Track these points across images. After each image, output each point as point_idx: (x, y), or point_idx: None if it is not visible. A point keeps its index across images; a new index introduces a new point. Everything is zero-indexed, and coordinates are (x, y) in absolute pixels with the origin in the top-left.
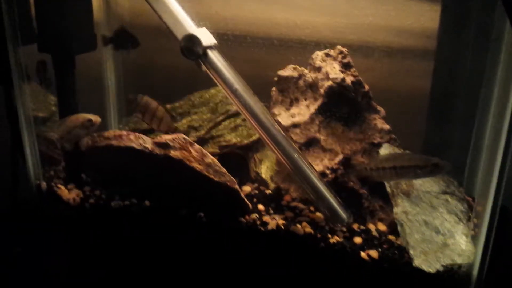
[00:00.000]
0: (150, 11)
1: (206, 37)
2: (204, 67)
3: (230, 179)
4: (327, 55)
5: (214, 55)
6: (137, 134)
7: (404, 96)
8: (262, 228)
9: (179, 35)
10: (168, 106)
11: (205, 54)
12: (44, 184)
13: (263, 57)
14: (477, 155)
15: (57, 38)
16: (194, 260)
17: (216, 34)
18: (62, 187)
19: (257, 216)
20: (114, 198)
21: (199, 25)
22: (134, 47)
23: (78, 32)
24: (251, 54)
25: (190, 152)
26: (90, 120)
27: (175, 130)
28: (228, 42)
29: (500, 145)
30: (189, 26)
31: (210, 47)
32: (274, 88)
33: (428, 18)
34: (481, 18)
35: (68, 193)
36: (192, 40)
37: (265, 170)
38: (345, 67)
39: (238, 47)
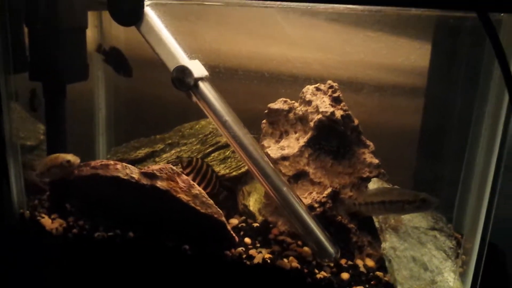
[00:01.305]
0: (144, 44)
1: (198, 69)
2: (194, 98)
3: (217, 211)
4: (317, 89)
5: (205, 87)
6: (124, 164)
7: (394, 132)
8: (248, 262)
9: (171, 66)
10: (157, 136)
11: (196, 86)
12: (27, 213)
13: (254, 90)
14: (466, 192)
15: (48, 67)
16: None
17: (208, 66)
18: (46, 217)
19: (243, 249)
20: (98, 228)
21: (191, 57)
22: (127, 75)
23: (70, 62)
24: (242, 87)
25: (177, 182)
26: (68, 161)
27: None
28: (220, 74)
29: (488, 182)
30: (181, 57)
31: (202, 79)
32: (264, 121)
33: (418, 56)
34: (470, 55)
35: (51, 223)
36: (183, 71)
37: (253, 202)
38: (335, 101)
39: (230, 80)
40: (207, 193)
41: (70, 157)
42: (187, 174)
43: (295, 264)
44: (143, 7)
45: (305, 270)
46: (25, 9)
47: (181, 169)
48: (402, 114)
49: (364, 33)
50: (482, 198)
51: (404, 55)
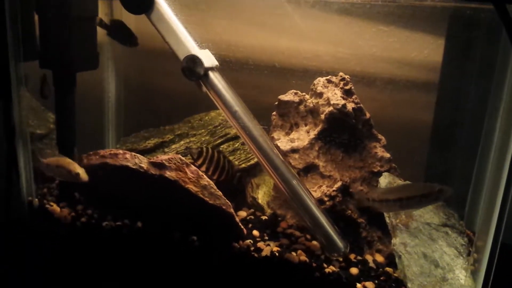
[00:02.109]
0: (155, 33)
1: (208, 59)
2: (204, 88)
3: (225, 203)
4: (329, 81)
5: (215, 77)
6: (133, 153)
7: (406, 126)
8: (256, 255)
9: (181, 56)
10: (167, 127)
11: (206, 75)
12: (36, 201)
13: (264, 81)
14: (478, 189)
15: (59, 55)
16: (185, 284)
17: (218, 57)
18: (54, 205)
19: (251, 242)
20: (106, 218)
21: (201, 46)
22: (133, 45)
23: (80, 50)
24: (253, 78)
25: (186, 173)
26: (77, 174)
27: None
28: (230, 65)
29: (502, 179)
30: (192, 47)
31: (212, 69)
32: (274, 113)
33: (431, 51)
34: (485, 49)
35: (60, 211)
36: (193, 60)
37: (262, 195)
38: (347, 94)
39: (240, 71)
40: (223, 181)
41: (81, 171)
42: (199, 166)
43: (303, 257)
44: None
45: (314, 264)
46: None
47: (191, 160)
48: (414, 109)
49: (377, 27)
50: (495, 196)
51: (417, 50)
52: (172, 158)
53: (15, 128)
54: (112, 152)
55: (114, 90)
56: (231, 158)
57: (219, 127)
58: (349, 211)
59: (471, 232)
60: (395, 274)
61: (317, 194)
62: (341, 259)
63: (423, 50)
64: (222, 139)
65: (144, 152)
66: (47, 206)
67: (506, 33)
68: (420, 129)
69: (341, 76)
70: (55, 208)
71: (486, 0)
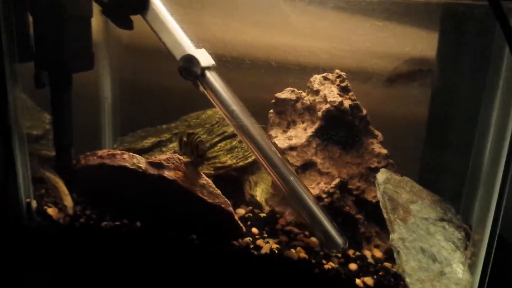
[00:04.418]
0: (150, 33)
1: (205, 58)
2: (201, 88)
3: (224, 201)
4: (325, 78)
5: (212, 76)
6: (131, 153)
7: (401, 121)
8: (256, 252)
9: (178, 55)
10: (164, 126)
11: (203, 75)
12: (34, 203)
13: (261, 79)
14: (474, 183)
15: (54, 56)
16: (184, 283)
17: (215, 55)
18: (53, 206)
19: (251, 239)
20: (105, 218)
21: (198, 46)
22: (128, 28)
23: (76, 50)
24: (249, 76)
25: (184, 172)
26: (65, 206)
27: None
28: (227, 63)
29: (499, 174)
30: (188, 46)
31: (208, 68)
32: (271, 111)
33: (425, 45)
34: (478, 44)
35: (58, 212)
36: (190, 60)
37: (260, 192)
38: (343, 90)
39: (236, 69)
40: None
41: (70, 206)
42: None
43: (302, 254)
44: None
45: (313, 261)
46: None
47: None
48: (409, 104)
49: (371, 22)
50: (492, 190)
51: (411, 45)
52: (170, 157)
53: (11, 129)
54: (110, 152)
55: (110, 89)
56: (228, 156)
57: (216, 126)
58: (347, 208)
59: (467, 225)
60: (393, 269)
61: (315, 191)
62: (340, 255)
63: (417, 45)
64: (219, 137)
65: (141, 151)
66: (45, 207)
67: (501, 29)
68: (415, 124)
69: (337, 73)
70: (53, 209)
71: None
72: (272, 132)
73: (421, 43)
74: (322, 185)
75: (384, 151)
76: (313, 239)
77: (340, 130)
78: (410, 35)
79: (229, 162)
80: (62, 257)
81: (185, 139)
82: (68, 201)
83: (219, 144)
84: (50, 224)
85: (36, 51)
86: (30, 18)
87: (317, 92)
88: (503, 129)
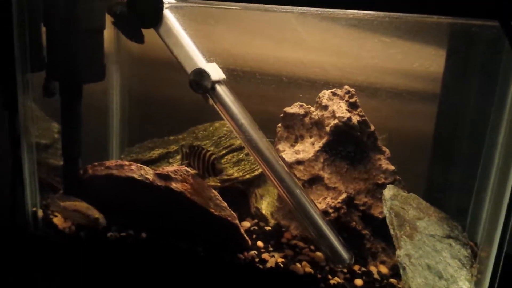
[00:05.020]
0: (160, 45)
1: (216, 72)
2: (211, 101)
3: (230, 214)
4: (334, 94)
5: (222, 90)
6: (139, 164)
7: (408, 137)
8: (261, 266)
9: (189, 69)
10: (171, 138)
11: (213, 89)
12: (40, 212)
13: (271, 93)
14: (481, 200)
15: (65, 67)
16: None
17: (226, 70)
18: (59, 215)
19: (256, 253)
20: (111, 228)
21: (209, 60)
22: (138, 42)
23: (87, 62)
24: (259, 90)
25: (191, 184)
26: (97, 219)
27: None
28: (237, 78)
29: (507, 192)
30: (199, 60)
31: (219, 82)
32: (279, 125)
33: (433, 62)
34: (486, 62)
35: (64, 222)
36: (201, 74)
37: (265, 206)
38: (352, 106)
39: (247, 83)
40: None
41: (100, 216)
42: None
43: (308, 269)
44: (162, 10)
45: (319, 276)
46: (43, 9)
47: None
48: (416, 120)
49: (379, 38)
50: (499, 207)
51: (419, 61)
52: (178, 169)
53: (20, 138)
54: (117, 163)
55: (118, 100)
56: (235, 168)
57: (223, 138)
58: (354, 223)
59: (473, 242)
60: (399, 286)
61: (322, 205)
62: (345, 271)
63: (424, 61)
64: (226, 150)
65: (148, 162)
66: (51, 216)
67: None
68: (422, 140)
69: (346, 89)
70: (60, 218)
71: (492, 17)
72: (280, 146)
73: (429, 60)
74: (328, 200)
75: (392, 167)
76: (319, 253)
77: (348, 146)
78: (418, 51)
79: (236, 174)
80: (67, 267)
81: (187, 150)
82: (96, 213)
83: (226, 157)
84: (56, 233)
85: (48, 61)
86: (44, 29)
87: (325, 107)
88: (510, 146)
